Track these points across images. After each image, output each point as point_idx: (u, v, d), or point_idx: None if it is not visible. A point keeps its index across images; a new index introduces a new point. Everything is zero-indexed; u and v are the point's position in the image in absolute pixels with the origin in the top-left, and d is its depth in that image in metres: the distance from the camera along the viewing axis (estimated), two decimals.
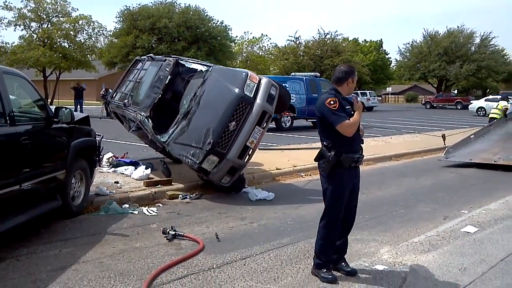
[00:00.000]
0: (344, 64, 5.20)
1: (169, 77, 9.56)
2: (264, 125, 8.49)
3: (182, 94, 9.53)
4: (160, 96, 9.35)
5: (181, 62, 10.03)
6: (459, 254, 5.63)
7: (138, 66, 11.18)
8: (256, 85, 8.47)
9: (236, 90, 8.35)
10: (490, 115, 18.99)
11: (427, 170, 12.03)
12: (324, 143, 4.76)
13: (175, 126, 8.66)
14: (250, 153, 8.46)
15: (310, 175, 10.65)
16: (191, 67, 9.79)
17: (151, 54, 11.42)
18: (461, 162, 12.67)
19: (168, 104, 9.79)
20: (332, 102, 4.65)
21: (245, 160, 8.44)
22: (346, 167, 4.68)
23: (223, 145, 8.12)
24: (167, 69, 9.68)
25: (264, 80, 8.65)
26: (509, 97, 21.17)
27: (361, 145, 4.90)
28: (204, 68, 9.35)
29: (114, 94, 11.35)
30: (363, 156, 4.87)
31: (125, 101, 10.15)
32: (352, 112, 4.67)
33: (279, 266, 5.15)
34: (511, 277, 4.95)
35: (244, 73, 8.72)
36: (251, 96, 8.32)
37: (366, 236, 6.26)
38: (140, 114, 9.18)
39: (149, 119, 9.02)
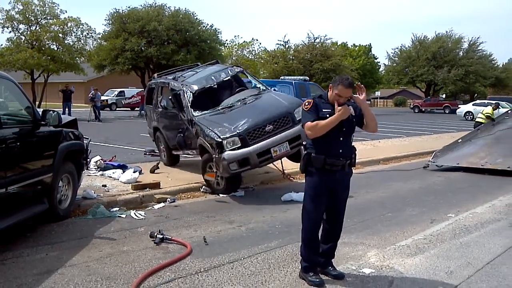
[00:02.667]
0: (345, 74, 5.28)
1: (228, 78, 10.44)
2: (293, 144, 8.81)
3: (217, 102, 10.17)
4: (210, 87, 10.14)
5: (245, 73, 11.06)
6: (445, 257, 5.67)
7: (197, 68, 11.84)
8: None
9: (287, 106, 9.11)
10: (476, 120, 19.27)
11: (415, 174, 12.10)
12: (303, 142, 4.83)
13: (212, 111, 9.50)
14: (267, 159, 8.73)
15: (299, 179, 10.66)
16: (251, 81, 10.96)
17: (218, 60, 12.50)
18: (449, 166, 12.76)
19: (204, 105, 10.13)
20: (306, 104, 4.76)
21: (260, 162, 8.66)
22: (318, 168, 4.69)
23: (251, 137, 8.55)
24: (230, 72, 10.55)
25: None
26: (499, 104, 21.19)
27: (346, 152, 4.77)
28: (262, 87, 10.50)
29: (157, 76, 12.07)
30: (344, 162, 4.74)
31: (176, 77, 10.71)
32: (327, 116, 4.65)
33: (267, 269, 5.15)
34: (497, 280, 4.99)
35: (301, 100, 9.30)
36: (297, 118, 8.70)
37: (354, 240, 6.28)
38: (186, 86, 9.79)
39: (191, 95, 9.59)
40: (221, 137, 8.50)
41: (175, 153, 10.98)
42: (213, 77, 10.26)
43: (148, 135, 12.79)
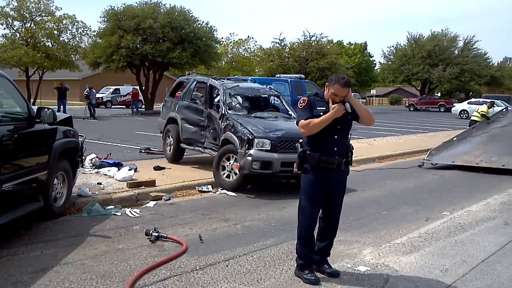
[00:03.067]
0: (341, 73, 5.31)
1: (264, 96, 11.23)
2: None
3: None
4: (244, 96, 10.92)
5: (281, 99, 11.44)
6: (440, 255, 5.69)
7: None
8: None
9: None
10: (471, 118, 19.36)
11: (410, 172, 12.13)
12: (300, 139, 4.88)
13: (244, 115, 9.98)
14: (288, 171, 8.88)
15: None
16: (285, 107, 11.27)
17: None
18: (444, 164, 12.80)
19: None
20: (301, 101, 4.81)
21: (280, 171, 8.85)
22: (313, 165, 4.72)
23: (281, 146, 8.85)
24: (267, 92, 11.30)
25: None
26: (494, 103, 21.04)
27: (342, 150, 4.80)
28: (294, 114, 10.52)
29: None
30: (340, 160, 4.75)
31: (217, 78, 11.54)
32: (321, 114, 4.67)
33: (262, 267, 5.15)
34: (492, 278, 5.01)
35: None
36: None
37: (349, 238, 6.29)
38: (225, 86, 10.43)
39: (229, 95, 10.28)
40: (254, 134, 8.85)
41: (183, 147, 11.20)
42: (251, 89, 11.02)
43: (141, 133, 12.76)
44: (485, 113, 17.51)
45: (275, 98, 11.67)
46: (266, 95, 11.30)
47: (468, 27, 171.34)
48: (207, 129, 10.24)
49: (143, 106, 38.28)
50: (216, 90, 10.67)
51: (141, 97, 38.40)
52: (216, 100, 10.78)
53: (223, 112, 9.80)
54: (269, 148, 8.76)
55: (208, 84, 10.89)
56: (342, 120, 4.72)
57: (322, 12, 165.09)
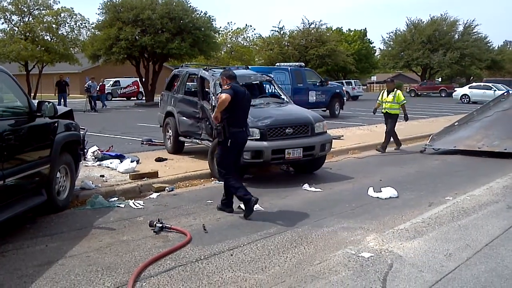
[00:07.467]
0: None
1: (256, 82, 11.02)
2: (306, 153, 9.04)
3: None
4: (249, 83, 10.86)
5: (274, 84, 11.34)
6: (444, 240, 5.70)
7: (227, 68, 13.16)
8: (323, 127, 9.56)
9: (310, 117, 9.48)
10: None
11: (412, 158, 12.12)
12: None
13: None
14: (280, 158, 8.90)
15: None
16: (278, 92, 11.25)
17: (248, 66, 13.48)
18: (446, 150, 12.78)
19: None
20: None
21: (271, 159, 8.84)
22: None
23: (271, 134, 8.83)
24: (259, 77, 11.10)
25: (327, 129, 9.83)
26: (491, 84, 19.07)
27: None
28: (286, 99, 10.76)
29: None
30: None
31: (208, 68, 11.22)
32: None
33: (267, 255, 5.17)
34: (495, 262, 5.02)
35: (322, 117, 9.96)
36: (316, 131, 9.29)
37: (352, 224, 6.30)
38: (215, 76, 10.18)
39: (219, 85, 9.97)
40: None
41: (182, 140, 11.21)
42: (241, 77, 10.61)
43: (142, 124, 12.76)
44: (379, 101, 14.00)
45: (267, 83, 11.62)
46: (258, 81, 11.16)
47: (467, 11, 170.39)
48: (202, 121, 10.20)
49: (144, 98, 38.23)
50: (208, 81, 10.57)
51: (141, 89, 38.29)
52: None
53: (213, 104, 9.67)
54: (259, 137, 8.72)
55: (199, 76, 10.87)
56: None
57: None
